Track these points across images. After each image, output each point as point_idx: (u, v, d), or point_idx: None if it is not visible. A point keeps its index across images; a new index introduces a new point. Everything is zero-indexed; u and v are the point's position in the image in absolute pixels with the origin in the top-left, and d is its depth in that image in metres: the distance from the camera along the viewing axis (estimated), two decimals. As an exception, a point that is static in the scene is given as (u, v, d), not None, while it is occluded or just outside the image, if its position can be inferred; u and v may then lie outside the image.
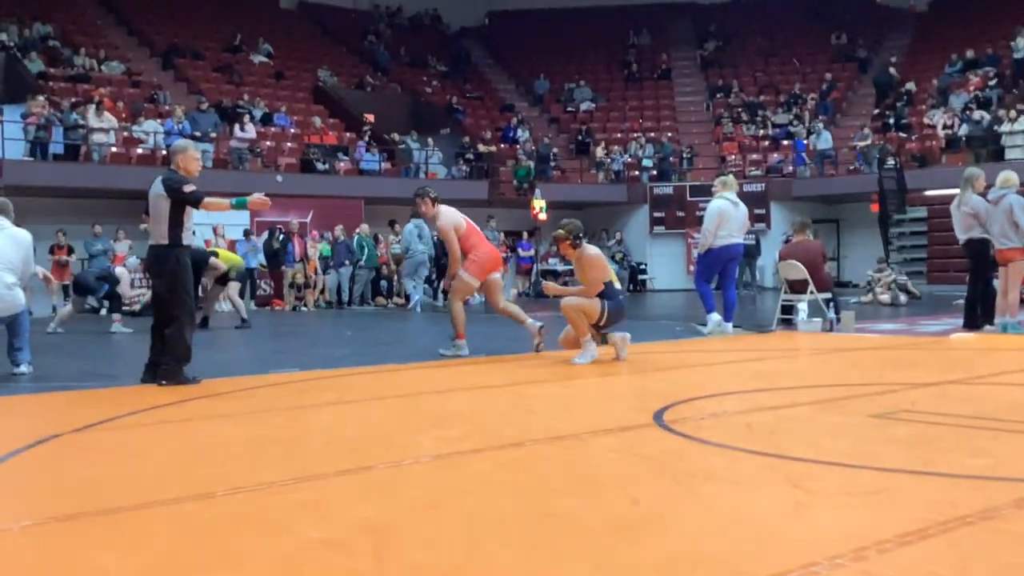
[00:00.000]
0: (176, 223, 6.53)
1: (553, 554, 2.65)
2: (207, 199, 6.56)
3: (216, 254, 12.55)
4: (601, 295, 7.60)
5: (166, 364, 6.52)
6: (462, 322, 8.33)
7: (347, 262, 18.52)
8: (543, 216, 22.10)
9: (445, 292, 19.19)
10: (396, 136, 22.85)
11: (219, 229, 17.34)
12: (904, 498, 3.20)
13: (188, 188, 6.51)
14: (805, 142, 24.41)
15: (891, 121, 23.91)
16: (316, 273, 18.51)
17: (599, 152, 25.73)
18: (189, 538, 2.88)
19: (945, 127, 22.25)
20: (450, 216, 8.47)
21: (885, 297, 15.87)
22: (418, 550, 2.70)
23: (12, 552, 2.79)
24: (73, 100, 18.84)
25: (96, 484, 3.64)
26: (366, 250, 18.49)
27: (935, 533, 2.73)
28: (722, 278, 10.30)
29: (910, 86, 24.95)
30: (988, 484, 3.36)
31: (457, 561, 2.61)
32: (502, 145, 25.65)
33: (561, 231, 7.74)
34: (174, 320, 6.56)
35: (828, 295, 10.49)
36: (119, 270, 12.36)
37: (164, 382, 6.45)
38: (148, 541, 2.84)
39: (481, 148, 24.05)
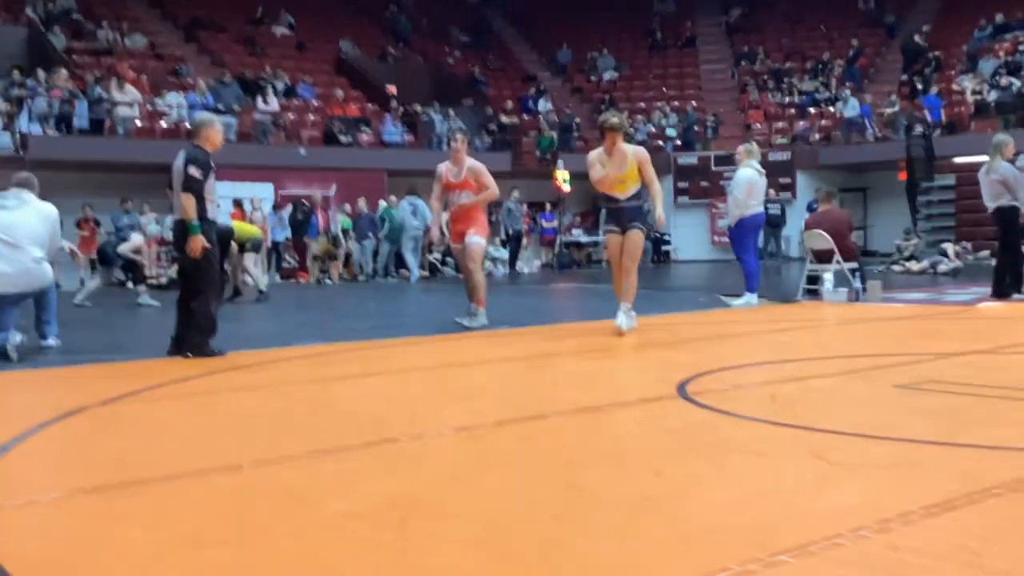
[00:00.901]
0: (199, 197, 6.56)
1: (576, 527, 2.65)
2: (190, 197, 6.51)
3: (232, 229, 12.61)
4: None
5: (192, 336, 6.59)
6: (483, 289, 8.35)
7: (370, 235, 18.56)
8: (566, 187, 22.00)
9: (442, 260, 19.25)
10: (419, 107, 22.78)
11: (256, 202, 17.40)
12: (930, 469, 3.17)
13: (192, 171, 6.52)
14: (869, 108, 23.45)
15: (919, 87, 23.53)
16: (338, 245, 18.57)
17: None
18: (215, 510, 2.90)
19: (974, 93, 21.88)
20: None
21: (945, 267, 15.49)
22: (442, 523, 2.71)
23: (41, 524, 2.83)
24: (97, 74, 18.91)
25: (123, 456, 3.68)
26: (387, 223, 18.49)
27: (961, 504, 2.71)
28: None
29: (937, 52, 24.53)
30: (1016, 455, 3.33)
31: (480, 534, 2.62)
32: (524, 116, 25.50)
33: (615, 120, 7.48)
34: (200, 293, 6.62)
35: (854, 264, 10.40)
36: (134, 235, 12.43)
37: (190, 354, 6.51)
38: (175, 513, 2.86)
39: (503, 119, 23.91)
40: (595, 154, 7.61)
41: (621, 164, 7.45)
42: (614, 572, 2.30)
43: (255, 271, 13.65)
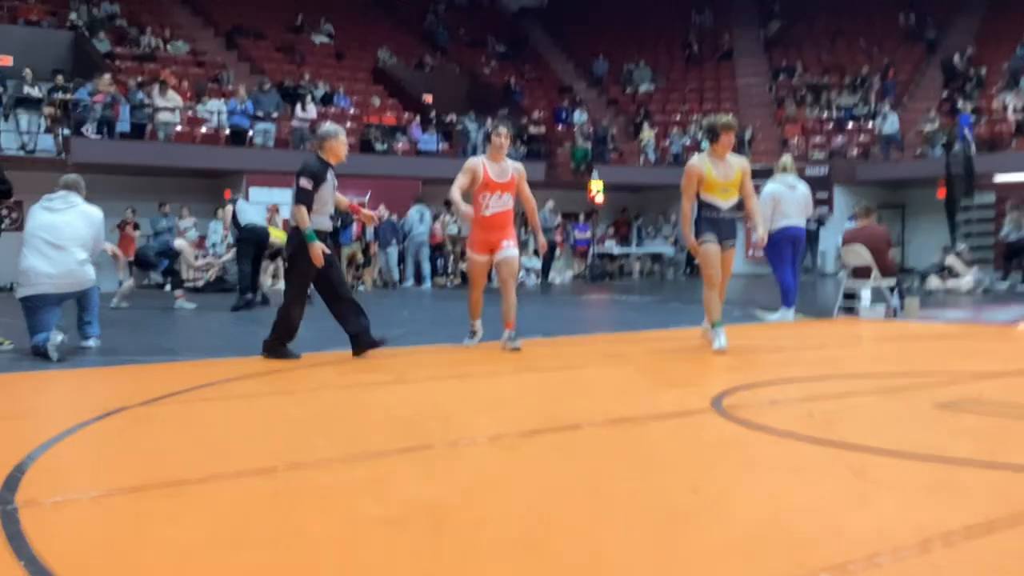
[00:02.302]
0: (310, 207, 6.60)
1: (610, 539, 2.63)
2: (302, 208, 6.57)
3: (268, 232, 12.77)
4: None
5: (269, 339, 6.73)
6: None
7: (394, 241, 18.64)
8: (600, 199, 21.98)
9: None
10: (455, 117, 22.91)
11: (276, 208, 17.54)
12: (971, 490, 3.12)
13: (303, 182, 6.61)
14: (970, 118, 22.28)
15: (960, 104, 23.25)
16: (368, 252, 18.73)
17: (645, 135, 25.19)
18: (252, 512, 2.92)
19: (1016, 111, 21.61)
20: None
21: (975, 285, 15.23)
22: (476, 530, 2.71)
23: (80, 522, 2.86)
24: (139, 79, 19.22)
25: (161, 457, 3.72)
26: (401, 230, 18.61)
27: (1003, 526, 2.67)
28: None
29: (980, 68, 24.23)
30: (1059, 478, 3.27)
31: (514, 543, 2.61)
32: (559, 127, 25.51)
33: (733, 120, 7.23)
34: (284, 298, 6.75)
35: (892, 281, 10.28)
36: (178, 242, 12.61)
37: (265, 355, 6.66)
38: (212, 514, 2.89)
39: (531, 129, 23.92)
40: (698, 159, 7.16)
41: (728, 170, 7.10)
42: (650, 585, 2.29)
43: None
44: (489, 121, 22.89)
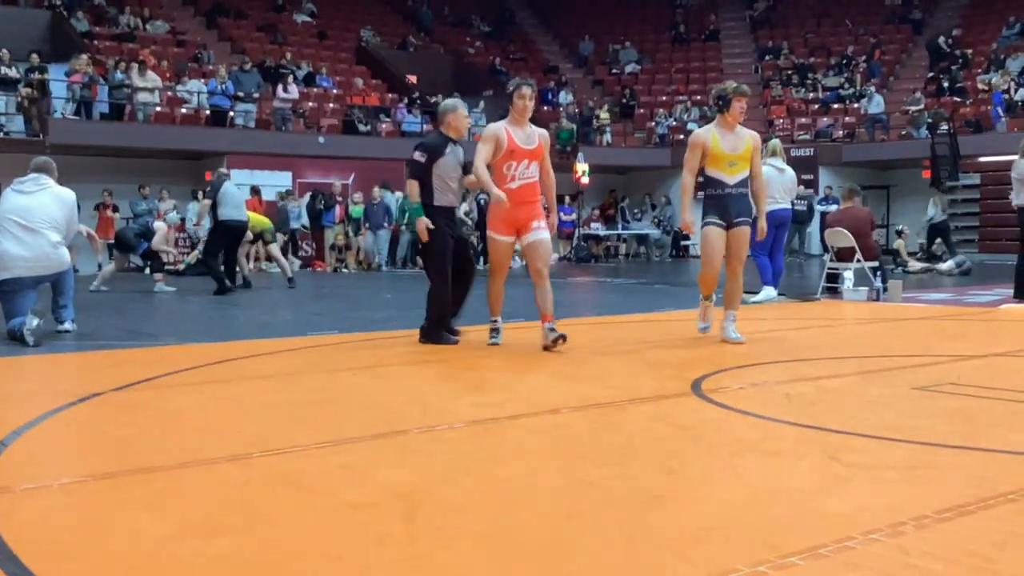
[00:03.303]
0: (426, 184, 6.53)
1: (586, 523, 2.63)
2: (414, 182, 6.52)
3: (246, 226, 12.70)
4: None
5: (424, 325, 6.69)
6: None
7: (386, 224, 18.54)
8: (585, 180, 21.93)
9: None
10: (439, 97, 22.78)
11: (254, 189, 17.39)
12: (945, 473, 3.13)
13: (416, 155, 6.56)
14: (1003, 95, 21.72)
15: (945, 85, 23.31)
16: (347, 236, 18.66)
17: (603, 116, 24.92)
18: (225, 499, 2.90)
19: (1001, 91, 21.66)
20: None
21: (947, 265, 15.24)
22: (450, 516, 2.69)
23: (51, 509, 2.83)
24: (118, 59, 19.03)
25: (134, 443, 3.68)
26: (407, 213, 18.47)
27: (975, 510, 2.67)
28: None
29: (966, 50, 24.28)
30: (1034, 461, 3.28)
31: (488, 528, 2.61)
32: (544, 108, 25.39)
33: (745, 86, 6.58)
34: (429, 281, 6.68)
35: (875, 263, 10.31)
36: (157, 224, 12.52)
37: (423, 341, 6.63)
38: (185, 502, 2.87)
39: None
40: (703, 129, 6.59)
41: (737, 142, 6.45)
42: (622, 570, 2.28)
43: (283, 260, 13.78)
44: (481, 104, 22.77)
